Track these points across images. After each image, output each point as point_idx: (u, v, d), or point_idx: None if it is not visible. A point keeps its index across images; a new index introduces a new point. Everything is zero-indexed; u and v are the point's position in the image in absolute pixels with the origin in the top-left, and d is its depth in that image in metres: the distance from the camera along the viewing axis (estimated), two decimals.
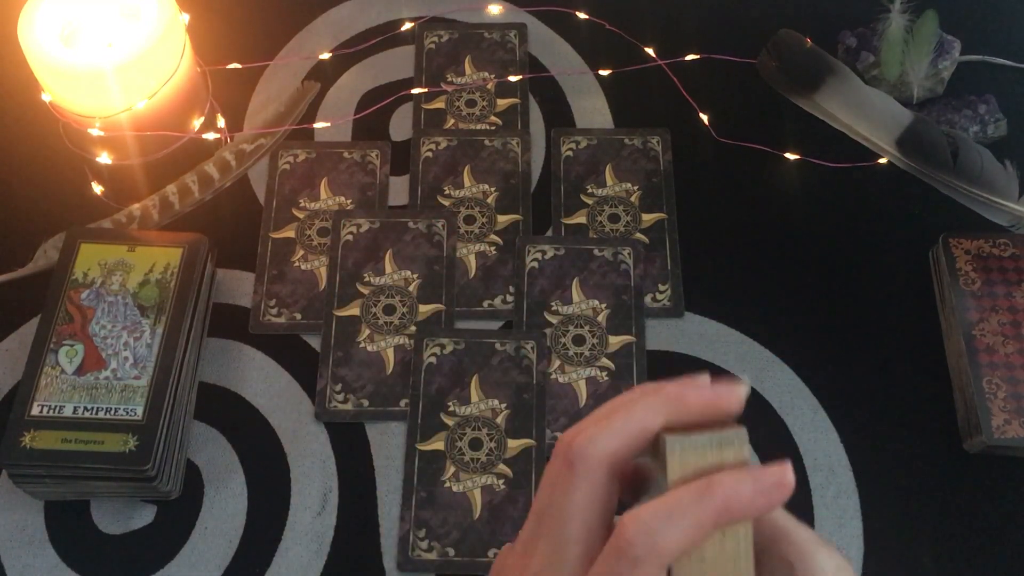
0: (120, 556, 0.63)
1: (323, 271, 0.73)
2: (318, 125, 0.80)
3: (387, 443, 0.67)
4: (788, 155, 0.77)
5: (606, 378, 0.68)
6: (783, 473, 0.32)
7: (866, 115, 0.76)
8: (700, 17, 0.85)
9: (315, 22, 0.86)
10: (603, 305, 0.71)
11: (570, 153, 0.78)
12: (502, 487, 0.65)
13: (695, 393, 0.34)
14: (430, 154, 0.78)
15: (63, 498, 0.64)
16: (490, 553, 0.63)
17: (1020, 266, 0.70)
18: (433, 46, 0.84)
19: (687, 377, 0.34)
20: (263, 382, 0.69)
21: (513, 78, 0.82)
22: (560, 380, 0.68)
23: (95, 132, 0.70)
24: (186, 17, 0.71)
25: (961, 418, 0.67)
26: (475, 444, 0.66)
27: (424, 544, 0.63)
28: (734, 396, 0.34)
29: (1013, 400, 0.64)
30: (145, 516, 0.64)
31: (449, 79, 0.82)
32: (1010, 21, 0.85)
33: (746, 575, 0.32)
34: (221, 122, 0.78)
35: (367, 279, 0.72)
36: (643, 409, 0.33)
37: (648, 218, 0.75)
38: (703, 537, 0.31)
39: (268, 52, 0.83)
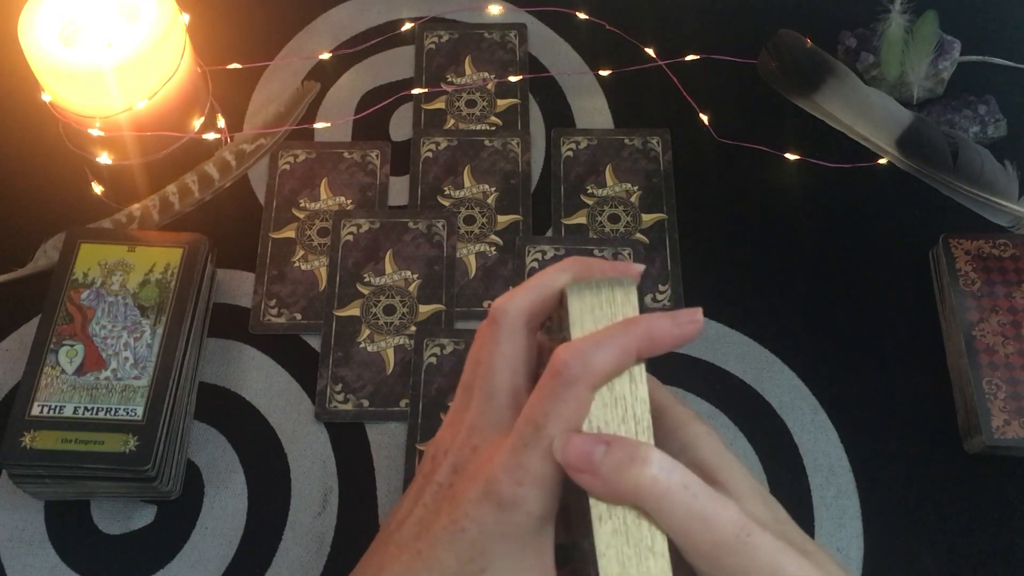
0: (120, 556, 0.63)
1: (323, 271, 0.73)
2: (318, 125, 0.80)
3: (387, 443, 0.67)
4: (788, 155, 0.77)
5: None
6: (695, 312, 0.38)
7: (866, 115, 0.76)
8: (700, 17, 0.86)
9: (315, 22, 0.86)
10: None
11: (570, 153, 0.78)
12: None
13: (597, 261, 0.40)
14: (430, 154, 0.78)
15: (63, 498, 0.64)
16: None
17: (1020, 266, 0.70)
18: (433, 46, 0.84)
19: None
20: (263, 382, 0.69)
21: (513, 78, 0.82)
22: None
23: (95, 132, 0.70)
24: (186, 17, 0.71)
25: (961, 418, 0.67)
26: None
27: None
28: (632, 267, 0.40)
29: (1013, 400, 0.64)
30: (145, 516, 0.64)
31: (449, 79, 0.82)
32: (1010, 21, 0.85)
33: (645, 417, 0.36)
34: (221, 122, 0.78)
35: (367, 279, 0.72)
36: (554, 271, 0.39)
37: (648, 218, 0.75)
38: (626, 363, 0.36)
39: (268, 52, 0.83)
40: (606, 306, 0.37)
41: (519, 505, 0.35)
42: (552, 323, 0.40)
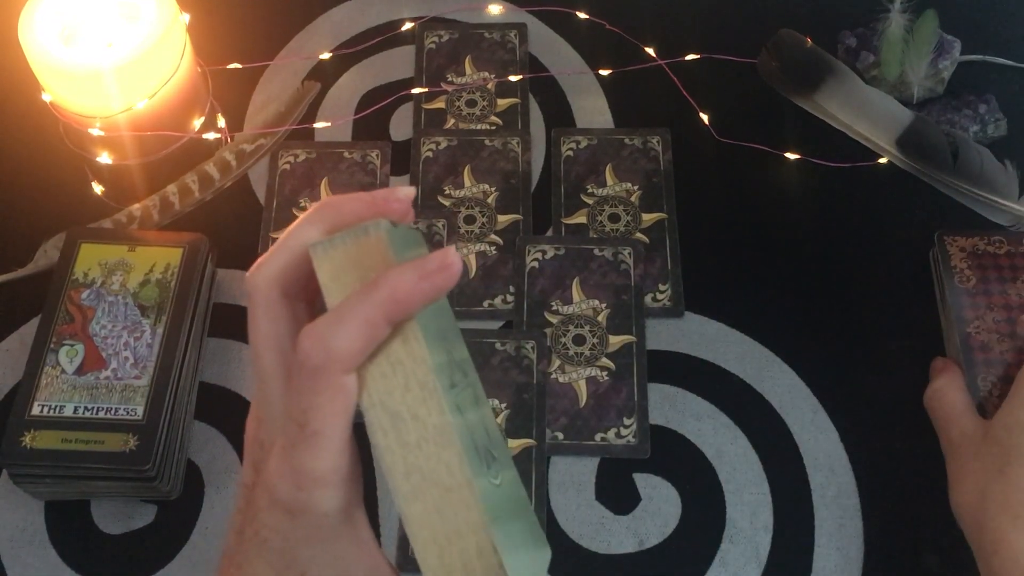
0: (120, 556, 0.63)
1: None
2: (318, 125, 0.80)
3: None
4: (788, 155, 0.77)
5: (606, 378, 0.68)
6: (444, 255, 0.32)
7: (866, 115, 0.76)
8: (700, 17, 0.85)
9: (315, 22, 0.86)
10: (603, 305, 0.71)
11: (570, 153, 0.78)
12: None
13: (349, 199, 0.34)
14: (430, 154, 0.78)
15: (63, 498, 0.64)
16: None
17: (1015, 263, 0.69)
18: (433, 46, 0.84)
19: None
20: None
21: (513, 78, 0.82)
22: (560, 380, 0.68)
23: (95, 132, 0.70)
24: (186, 17, 0.71)
25: None
26: None
27: None
28: (393, 196, 0.34)
29: None
30: (145, 516, 0.64)
31: (449, 79, 0.82)
32: (1010, 21, 0.85)
33: (429, 379, 0.32)
34: (221, 122, 0.78)
35: None
36: (301, 225, 0.34)
37: (648, 218, 0.75)
38: (378, 335, 0.31)
39: (268, 52, 0.83)
40: (355, 263, 0.32)
41: (308, 509, 0.32)
42: None
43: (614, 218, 0.75)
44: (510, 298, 0.72)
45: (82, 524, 0.64)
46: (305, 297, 0.35)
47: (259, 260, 0.34)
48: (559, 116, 0.81)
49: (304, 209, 0.75)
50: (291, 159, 0.78)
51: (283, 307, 0.34)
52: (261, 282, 0.34)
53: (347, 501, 0.33)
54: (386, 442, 0.32)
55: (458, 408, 0.33)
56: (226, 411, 0.68)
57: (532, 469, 0.65)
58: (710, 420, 0.67)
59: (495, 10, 0.86)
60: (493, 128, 0.80)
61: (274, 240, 0.74)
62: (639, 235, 0.74)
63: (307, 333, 0.31)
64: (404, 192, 0.34)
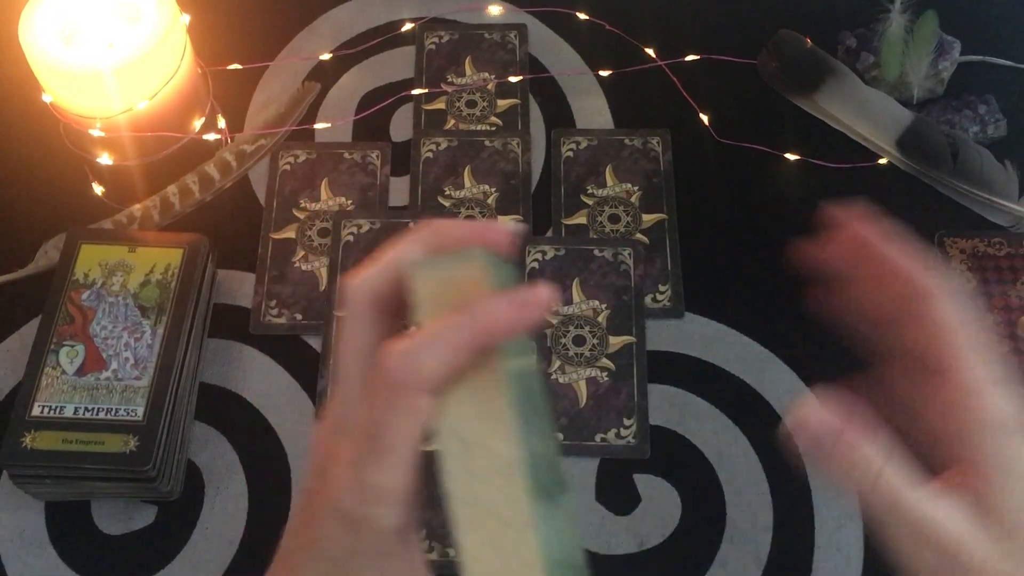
0: (121, 557, 0.63)
1: (324, 272, 0.73)
2: (319, 126, 0.80)
3: None
4: (788, 155, 0.77)
5: (606, 379, 0.68)
6: (537, 289, 0.32)
7: (866, 115, 0.76)
8: (700, 17, 0.86)
9: (315, 23, 0.86)
10: (603, 305, 0.71)
11: (570, 154, 0.78)
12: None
13: (454, 224, 0.34)
14: (430, 155, 0.78)
15: (64, 499, 0.64)
16: None
17: (1015, 265, 0.70)
18: (433, 47, 0.84)
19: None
20: (264, 383, 0.69)
21: (513, 79, 0.82)
22: (560, 380, 0.68)
23: (95, 133, 0.70)
24: (186, 18, 0.71)
25: None
26: None
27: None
28: (498, 227, 0.34)
29: None
30: (146, 517, 0.64)
31: (449, 80, 0.82)
32: (1010, 21, 0.85)
33: (506, 414, 0.31)
34: (222, 123, 0.78)
35: None
36: (405, 244, 0.34)
37: (648, 218, 0.75)
38: (463, 359, 0.31)
39: (269, 53, 0.83)
40: (453, 287, 0.33)
41: (369, 523, 0.33)
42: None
43: (614, 219, 0.75)
44: None
45: (82, 525, 0.64)
46: (397, 316, 0.35)
47: (358, 270, 0.35)
48: (559, 117, 0.81)
49: (304, 209, 0.75)
50: (291, 160, 0.78)
51: (374, 319, 0.34)
52: (358, 291, 0.34)
53: (406, 521, 0.33)
54: (454, 468, 0.32)
55: (528, 444, 0.32)
56: (226, 411, 0.68)
57: None
58: (710, 420, 0.67)
59: (495, 11, 0.86)
60: (493, 129, 0.80)
61: (274, 240, 0.74)
62: (639, 236, 0.74)
63: (393, 348, 0.31)
64: (509, 225, 0.35)
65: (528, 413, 0.33)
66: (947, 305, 0.36)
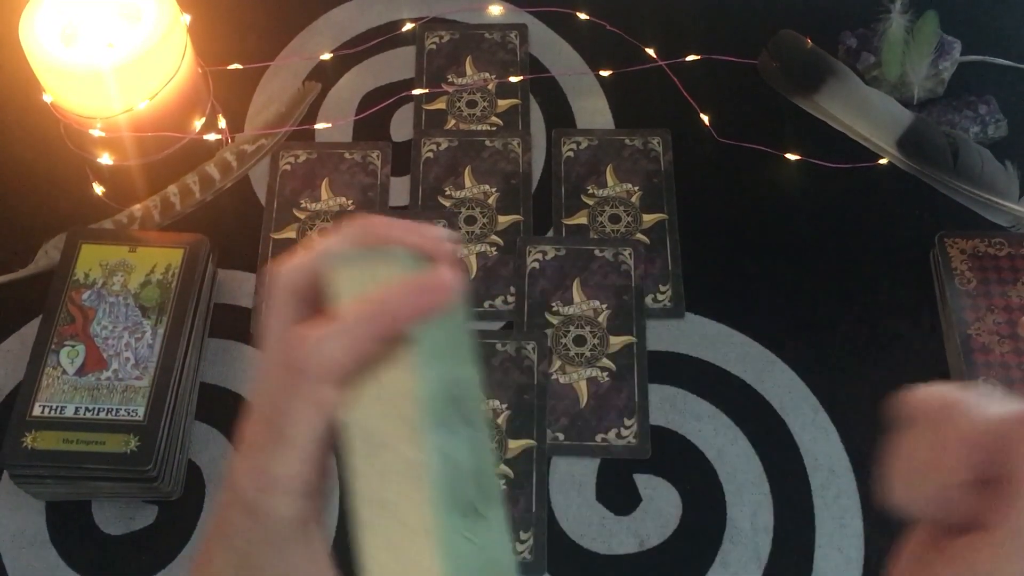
0: (121, 556, 0.63)
1: None
2: (319, 126, 0.80)
3: None
4: (788, 155, 0.78)
5: (607, 378, 0.68)
6: (439, 274, 0.31)
7: (866, 115, 0.76)
8: (700, 17, 0.85)
9: (316, 23, 0.86)
10: (604, 306, 0.71)
11: (571, 154, 0.78)
12: (502, 488, 0.65)
13: (389, 223, 0.33)
14: (431, 155, 0.78)
15: (64, 499, 0.64)
16: None
17: (1016, 265, 0.70)
18: (434, 47, 0.84)
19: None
20: None
21: (514, 79, 0.82)
22: (561, 380, 0.68)
23: (96, 133, 0.70)
24: (187, 18, 0.71)
25: None
26: None
27: None
28: (428, 229, 0.33)
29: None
30: (146, 516, 0.64)
31: (450, 80, 0.82)
32: (1010, 21, 0.85)
33: (412, 414, 0.30)
34: (222, 123, 0.78)
35: None
36: (334, 236, 0.33)
37: (649, 218, 0.75)
38: (367, 350, 0.30)
39: (269, 53, 0.83)
40: (370, 282, 0.32)
41: (268, 512, 0.32)
42: None
43: (615, 219, 0.75)
44: (511, 299, 0.72)
45: (83, 525, 0.64)
46: (319, 307, 0.35)
47: (290, 255, 0.34)
48: (559, 117, 0.81)
49: (304, 209, 0.75)
50: (292, 160, 0.78)
51: (295, 307, 0.33)
52: (283, 278, 0.34)
53: (305, 512, 0.33)
54: (357, 464, 0.31)
55: (442, 450, 0.31)
56: (227, 411, 0.68)
57: (533, 470, 0.65)
58: (710, 420, 0.67)
59: (495, 11, 0.86)
60: (494, 129, 0.80)
61: (275, 240, 0.74)
62: (640, 236, 0.74)
63: (297, 334, 0.31)
64: (438, 230, 0.34)
65: (446, 417, 0.31)
66: None
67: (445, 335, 0.32)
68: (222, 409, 0.68)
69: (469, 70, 0.83)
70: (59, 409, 0.62)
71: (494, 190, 0.76)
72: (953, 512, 0.28)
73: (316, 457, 0.32)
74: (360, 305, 0.31)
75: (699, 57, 0.82)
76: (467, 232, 0.75)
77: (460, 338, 0.34)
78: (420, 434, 0.30)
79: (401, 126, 0.80)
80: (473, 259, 0.74)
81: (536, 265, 0.73)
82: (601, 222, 0.75)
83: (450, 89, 0.82)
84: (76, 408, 0.62)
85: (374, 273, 0.32)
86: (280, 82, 0.82)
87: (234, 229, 0.75)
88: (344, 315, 0.31)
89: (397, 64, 0.83)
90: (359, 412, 0.31)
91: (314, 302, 0.34)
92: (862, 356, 0.70)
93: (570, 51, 0.84)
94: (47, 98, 0.70)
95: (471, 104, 0.81)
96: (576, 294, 0.71)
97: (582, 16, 0.85)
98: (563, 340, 0.70)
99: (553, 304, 0.71)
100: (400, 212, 0.76)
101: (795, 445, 0.66)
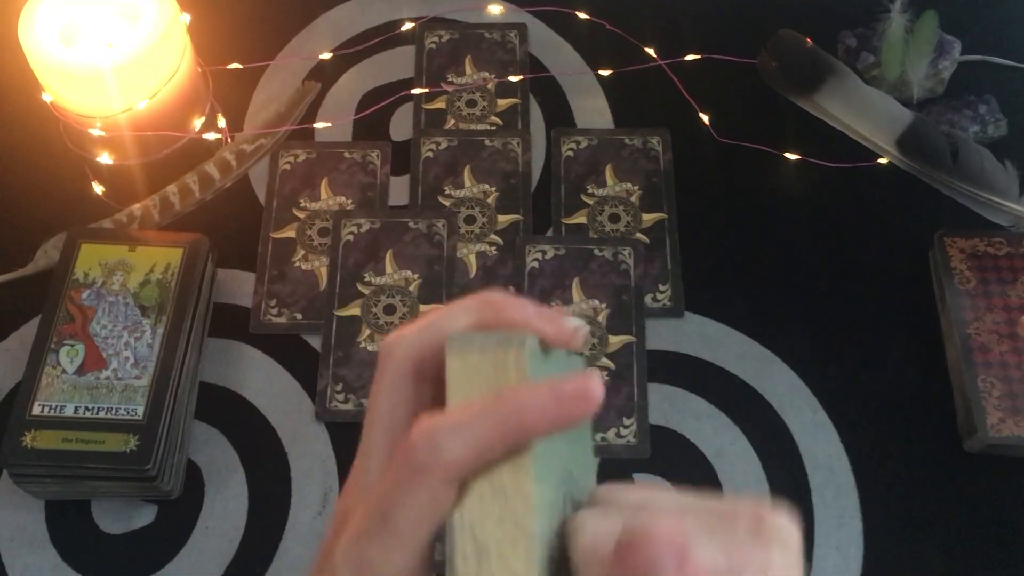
0: (121, 556, 0.63)
1: (324, 271, 0.73)
2: (319, 125, 0.80)
3: None
4: (788, 155, 0.78)
5: (606, 378, 0.68)
6: (584, 383, 0.29)
7: (866, 115, 0.76)
8: (700, 17, 0.86)
9: (316, 22, 0.86)
10: (603, 305, 0.71)
11: (570, 153, 0.78)
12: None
13: (513, 303, 0.31)
14: (430, 154, 0.78)
15: (64, 498, 0.65)
16: None
17: (1015, 265, 0.70)
18: (433, 46, 0.84)
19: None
20: (264, 382, 0.69)
21: (513, 78, 0.82)
22: None
23: (96, 132, 0.70)
24: (186, 17, 0.71)
25: (961, 418, 0.67)
26: None
27: None
28: (558, 318, 0.31)
29: (1008, 399, 0.64)
30: (146, 516, 0.64)
31: (449, 79, 0.82)
32: (1010, 21, 0.85)
33: (527, 520, 0.28)
34: (222, 122, 0.78)
35: (368, 279, 0.72)
36: (453, 310, 0.32)
37: (648, 218, 0.75)
38: (492, 452, 0.28)
39: (269, 52, 0.83)
40: (490, 371, 0.30)
41: None
42: None
43: (614, 218, 0.75)
44: None
45: (83, 524, 0.64)
46: (435, 382, 0.33)
47: (399, 331, 0.33)
48: (559, 116, 0.81)
49: (304, 209, 0.75)
50: (291, 159, 0.78)
51: (410, 386, 0.32)
52: (395, 353, 0.32)
53: None
54: (464, 569, 0.29)
55: (552, 557, 0.29)
56: (226, 411, 0.68)
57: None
58: (710, 420, 0.67)
59: (495, 10, 0.86)
60: (493, 128, 0.80)
61: (274, 240, 0.74)
62: (639, 235, 0.74)
63: (421, 427, 0.29)
64: (571, 321, 0.32)
65: (558, 512, 0.30)
66: None
67: (569, 435, 0.30)
68: (221, 408, 0.68)
69: (469, 69, 0.83)
70: (58, 408, 0.62)
71: (494, 189, 0.76)
72: None
73: (425, 555, 0.30)
74: (490, 404, 0.29)
75: (699, 57, 0.82)
76: (466, 232, 0.75)
77: (583, 431, 0.32)
78: (532, 547, 0.28)
79: (401, 126, 0.80)
80: (472, 259, 0.74)
81: (535, 264, 0.73)
82: (600, 222, 0.75)
83: (450, 88, 0.82)
84: (75, 407, 0.62)
85: (497, 361, 0.30)
86: (280, 82, 0.82)
87: (234, 228, 0.75)
88: (469, 410, 0.29)
89: (397, 64, 0.83)
90: (469, 513, 0.29)
91: (428, 380, 0.33)
92: (862, 356, 0.70)
93: (570, 51, 0.84)
94: (47, 98, 0.70)
95: (471, 103, 0.81)
96: (575, 293, 0.71)
97: (582, 16, 0.85)
98: None
99: (552, 304, 0.71)
100: (399, 211, 0.76)
101: (794, 444, 0.66)
